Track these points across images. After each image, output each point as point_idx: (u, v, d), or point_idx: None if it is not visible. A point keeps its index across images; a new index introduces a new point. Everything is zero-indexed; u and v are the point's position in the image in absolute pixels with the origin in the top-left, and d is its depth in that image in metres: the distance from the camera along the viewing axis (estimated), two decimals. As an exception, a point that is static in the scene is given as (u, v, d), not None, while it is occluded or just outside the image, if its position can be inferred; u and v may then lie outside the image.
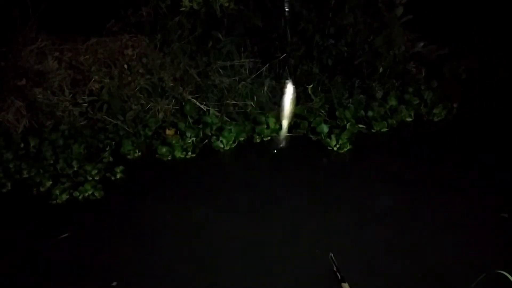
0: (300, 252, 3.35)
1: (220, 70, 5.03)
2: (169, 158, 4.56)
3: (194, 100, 4.92)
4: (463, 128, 4.85)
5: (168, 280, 3.19)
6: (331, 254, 3.03)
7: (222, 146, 4.66)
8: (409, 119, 5.04)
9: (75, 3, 4.98)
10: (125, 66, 4.98)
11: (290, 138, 4.76)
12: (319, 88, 5.09)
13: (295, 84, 5.01)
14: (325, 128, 4.73)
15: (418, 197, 3.89)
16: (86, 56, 5.00)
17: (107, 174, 4.32)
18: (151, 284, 3.18)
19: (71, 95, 4.88)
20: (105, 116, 4.79)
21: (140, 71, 4.98)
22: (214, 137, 4.71)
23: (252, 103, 4.92)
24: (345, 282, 2.90)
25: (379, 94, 5.06)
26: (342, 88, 5.11)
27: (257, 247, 3.42)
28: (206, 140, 4.75)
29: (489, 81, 5.21)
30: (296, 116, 4.88)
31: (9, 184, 4.21)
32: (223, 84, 4.93)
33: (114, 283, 3.16)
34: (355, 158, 4.51)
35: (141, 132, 4.75)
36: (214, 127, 4.76)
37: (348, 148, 4.57)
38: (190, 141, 4.69)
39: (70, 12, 4.98)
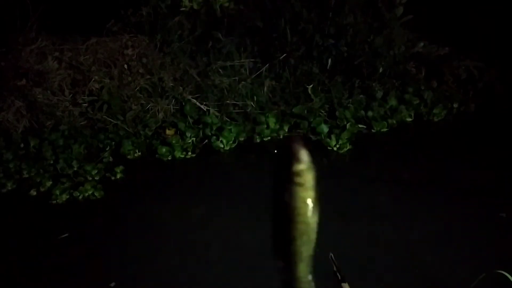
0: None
1: (220, 70, 5.03)
2: (169, 158, 4.56)
3: (194, 100, 4.92)
4: (463, 128, 4.85)
5: (167, 280, 3.18)
6: (331, 254, 3.02)
7: (222, 146, 4.66)
8: (409, 119, 5.03)
9: (75, 3, 4.98)
10: (125, 66, 4.99)
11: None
12: (319, 88, 5.09)
13: (295, 84, 5.08)
14: (325, 128, 4.73)
15: (417, 197, 3.88)
16: (86, 56, 5.01)
17: (107, 174, 4.32)
18: (150, 285, 3.17)
19: (71, 95, 4.89)
20: (105, 116, 4.79)
21: (140, 71, 4.98)
22: (214, 137, 4.70)
23: (252, 103, 4.92)
24: (345, 282, 2.89)
25: (379, 94, 5.06)
26: (342, 88, 5.11)
27: (257, 247, 3.42)
28: (206, 140, 4.75)
29: (490, 80, 5.21)
30: (296, 116, 4.90)
31: (9, 184, 4.21)
32: (223, 84, 4.94)
33: (113, 284, 3.16)
34: (355, 158, 4.51)
35: (141, 132, 4.75)
36: (214, 127, 4.76)
37: (348, 148, 4.56)
38: (190, 141, 4.69)
39: (70, 12, 4.99)
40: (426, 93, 5.09)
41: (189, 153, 4.61)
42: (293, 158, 1.00)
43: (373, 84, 5.09)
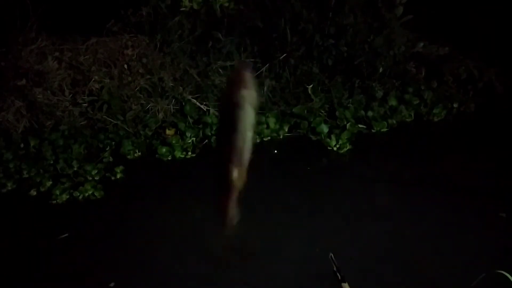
0: (300, 252, 3.35)
1: (220, 70, 5.03)
2: (169, 158, 4.56)
3: (194, 100, 4.92)
4: (463, 128, 4.86)
5: (167, 281, 3.19)
6: (331, 254, 3.02)
7: (222, 146, 4.65)
8: (409, 119, 5.03)
9: (75, 3, 4.98)
10: (125, 66, 4.99)
11: (290, 138, 4.77)
12: (319, 88, 5.09)
13: (295, 84, 5.08)
14: (325, 128, 4.73)
15: (417, 197, 3.89)
16: (86, 56, 5.00)
17: (107, 174, 4.32)
18: (150, 285, 3.18)
19: (71, 95, 4.88)
20: (105, 116, 4.79)
21: (140, 71, 4.98)
22: (214, 137, 4.70)
23: (252, 103, 4.91)
24: (345, 282, 2.89)
25: (379, 94, 5.06)
26: (342, 88, 5.11)
27: (256, 247, 3.42)
28: (206, 140, 4.75)
29: (490, 80, 5.21)
30: (296, 116, 4.90)
31: (9, 184, 4.21)
32: (223, 84, 4.93)
33: (112, 284, 3.16)
34: (355, 158, 4.51)
35: (141, 132, 4.75)
36: (214, 127, 4.75)
37: (348, 148, 4.56)
38: (190, 141, 4.69)
39: (70, 12, 4.98)
40: (426, 93, 5.09)
41: (189, 153, 4.61)
42: (238, 78, 1.25)
43: (373, 84, 5.09)
